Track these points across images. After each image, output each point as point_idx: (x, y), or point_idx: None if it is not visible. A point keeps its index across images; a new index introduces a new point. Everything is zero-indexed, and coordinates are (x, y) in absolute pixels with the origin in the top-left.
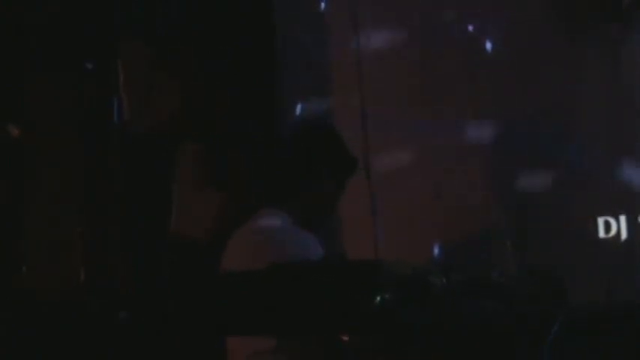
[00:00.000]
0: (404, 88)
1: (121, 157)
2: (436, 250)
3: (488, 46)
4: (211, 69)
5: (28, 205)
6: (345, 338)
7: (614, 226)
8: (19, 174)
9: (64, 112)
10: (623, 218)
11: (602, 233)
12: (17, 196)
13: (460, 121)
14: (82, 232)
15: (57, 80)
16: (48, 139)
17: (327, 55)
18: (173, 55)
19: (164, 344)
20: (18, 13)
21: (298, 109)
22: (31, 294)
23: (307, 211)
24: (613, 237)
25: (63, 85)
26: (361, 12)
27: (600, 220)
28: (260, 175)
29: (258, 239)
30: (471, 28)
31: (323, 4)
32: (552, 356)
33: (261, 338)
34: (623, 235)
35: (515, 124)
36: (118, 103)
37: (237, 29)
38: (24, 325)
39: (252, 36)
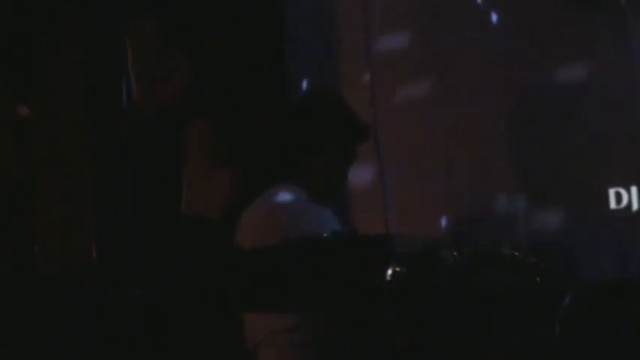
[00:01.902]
0: (415, 61)
1: (131, 137)
2: (447, 225)
3: (496, 18)
4: (220, 47)
5: (38, 185)
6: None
7: (625, 197)
8: (29, 153)
9: (74, 92)
10: (634, 189)
11: (613, 204)
12: (28, 176)
13: (472, 95)
14: (93, 211)
15: (66, 61)
16: (58, 119)
17: (335, 28)
18: (181, 34)
19: (176, 323)
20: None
21: (306, 82)
22: (42, 272)
23: (319, 184)
24: (624, 208)
25: (72, 65)
26: None
27: (611, 192)
28: (270, 150)
29: (272, 215)
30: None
31: None
32: (564, 330)
33: (275, 316)
34: (635, 206)
35: (526, 96)
36: (127, 83)
37: (245, 6)
38: (35, 303)
39: (260, 12)
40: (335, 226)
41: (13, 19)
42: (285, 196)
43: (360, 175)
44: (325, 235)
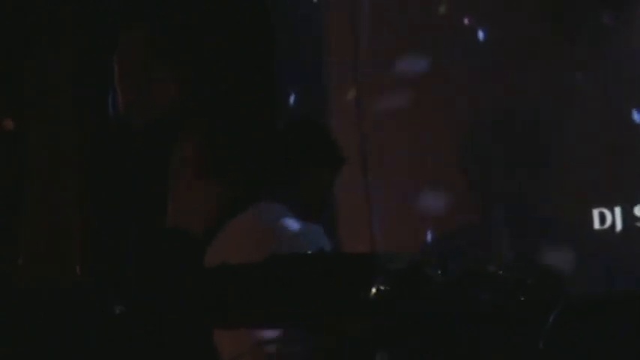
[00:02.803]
0: (402, 76)
1: (118, 149)
2: (432, 241)
3: (482, 35)
4: (208, 61)
5: (26, 195)
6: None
7: (609, 218)
8: (17, 164)
9: (62, 103)
10: (618, 210)
11: (597, 225)
12: (16, 186)
13: (458, 111)
14: (80, 222)
15: (55, 71)
16: (46, 130)
17: (323, 47)
18: (170, 47)
19: (161, 336)
20: (18, 3)
21: (292, 100)
22: (29, 284)
23: (303, 202)
24: (608, 228)
25: (61, 76)
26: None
27: (595, 212)
28: (257, 167)
29: (257, 230)
30: (466, 20)
31: None
32: (549, 347)
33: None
34: (618, 226)
35: (512, 116)
36: (115, 95)
37: (235, 22)
38: (22, 314)
39: (249, 27)
40: (320, 242)
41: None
42: (269, 212)
43: (346, 190)
44: (310, 252)
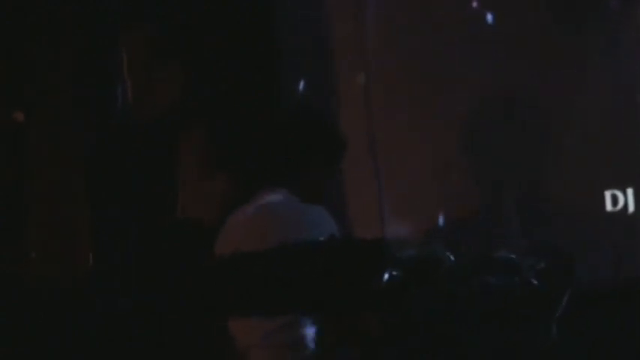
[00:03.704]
0: (408, 64)
1: (124, 143)
2: (443, 228)
3: (490, 19)
4: (215, 53)
5: (31, 192)
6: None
7: (621, 200)
8: (22, 161)
9: (66, 98)
10: (630, 191)
11: (609, 207)
12: (21, 183)
13: (466, 96)
14: (87, 219)
15: (59, 67)
16: (50, 126)
17: (330, 35)
18: (174, 41)
19: (170, 330)
20: (18, 3)
21: (301, 86)
22: (37, 281)
23: (307, 189)
24: (620, 211)
25: (65, 71)
26: None
27: (607, 194)
28: (260, 157)
29: (262, 217)
30: (474, 4)
31: None
32: (561, 331)
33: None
34: (630, 208)
35: (523, 97)
36: (120, 90)
37: (238, 14)
38: (30, 312)
39: (253, 19)
40: (328, 228)
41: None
42: (272, 199)
43: (355, 177)
44: (321, 238)
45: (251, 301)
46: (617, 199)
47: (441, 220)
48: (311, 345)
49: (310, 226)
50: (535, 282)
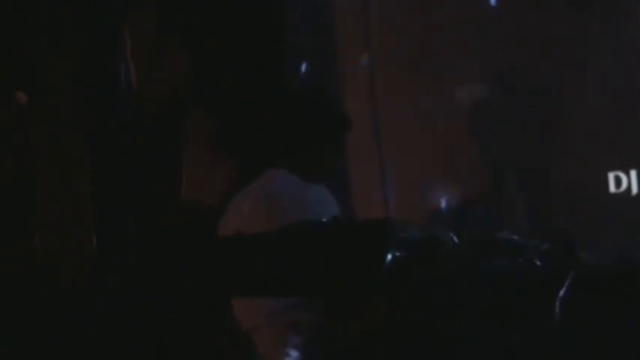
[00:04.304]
0: (412, 50)
1: (130, 125)
2: (447, 210)
3: (494, 1)
4: (220, 42)
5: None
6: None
7: (624, 181)
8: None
9: (73, 81)
10: (633, 173)
11: (612, 188)
12: (28, 169)
13: (470, 81)
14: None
15: (65, 49)
16: (57, 109)
17: (334, 16)
18: (180, 21)
19: (176, 313)
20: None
21: (303, 68)
22: (42, 268)
23: (309, 168)
24: (624, 192)
25: (72, 53)
26: None
27: (611, 175)
28: (262, 135)
29: (269, 198)
30: None
31: None
32: (563, 314)
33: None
34: (634, 190)
35: (526, 81)
36: (126, 71)
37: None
38: (35, 298)
39: (259, 9)
40: (330, 207)
41: (13, 9)
42: (275, 179)
43: (360, 160)
44: (324, 219)
45: (253, 282)
46: (621, 181)
47: (444, 203)
48: (315, 327)
49: (311, 205)
50: (538, 263)
